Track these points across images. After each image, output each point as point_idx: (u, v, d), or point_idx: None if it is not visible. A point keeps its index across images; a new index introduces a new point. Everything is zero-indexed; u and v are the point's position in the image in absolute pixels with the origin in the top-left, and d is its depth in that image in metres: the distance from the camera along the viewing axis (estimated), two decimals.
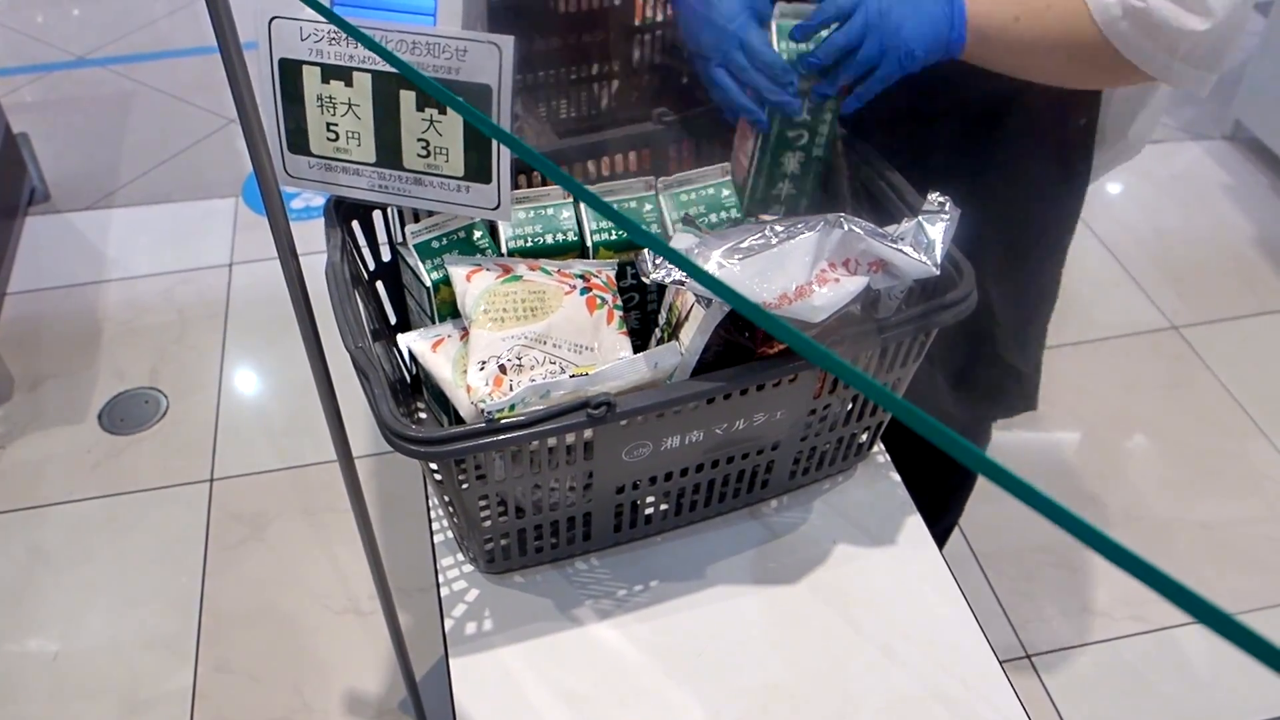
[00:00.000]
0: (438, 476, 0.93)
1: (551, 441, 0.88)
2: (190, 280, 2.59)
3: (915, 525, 1.09)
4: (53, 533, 2.03)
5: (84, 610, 1.90)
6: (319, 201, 2.80)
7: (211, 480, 2.12)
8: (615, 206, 0.85)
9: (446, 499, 0.97)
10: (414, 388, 1.15)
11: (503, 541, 1.00)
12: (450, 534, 1.08)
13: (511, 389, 0.91)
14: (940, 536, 1.85)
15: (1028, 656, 1.84)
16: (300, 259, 0.96)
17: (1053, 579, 1.95)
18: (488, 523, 0.97)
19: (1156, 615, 1.88)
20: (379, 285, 1.13)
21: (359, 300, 1.00)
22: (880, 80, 0.96)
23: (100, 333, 2.44)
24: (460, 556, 1.06)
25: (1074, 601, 1.92)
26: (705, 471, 1.02)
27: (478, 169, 0.94)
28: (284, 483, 2.11)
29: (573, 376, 0.89)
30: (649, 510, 1.05)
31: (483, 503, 0.95)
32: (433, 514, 1.10)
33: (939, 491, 1.71)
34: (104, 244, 2.71)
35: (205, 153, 3.04)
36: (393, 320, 1.16)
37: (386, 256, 1.13)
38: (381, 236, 1.12)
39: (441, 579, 1.05)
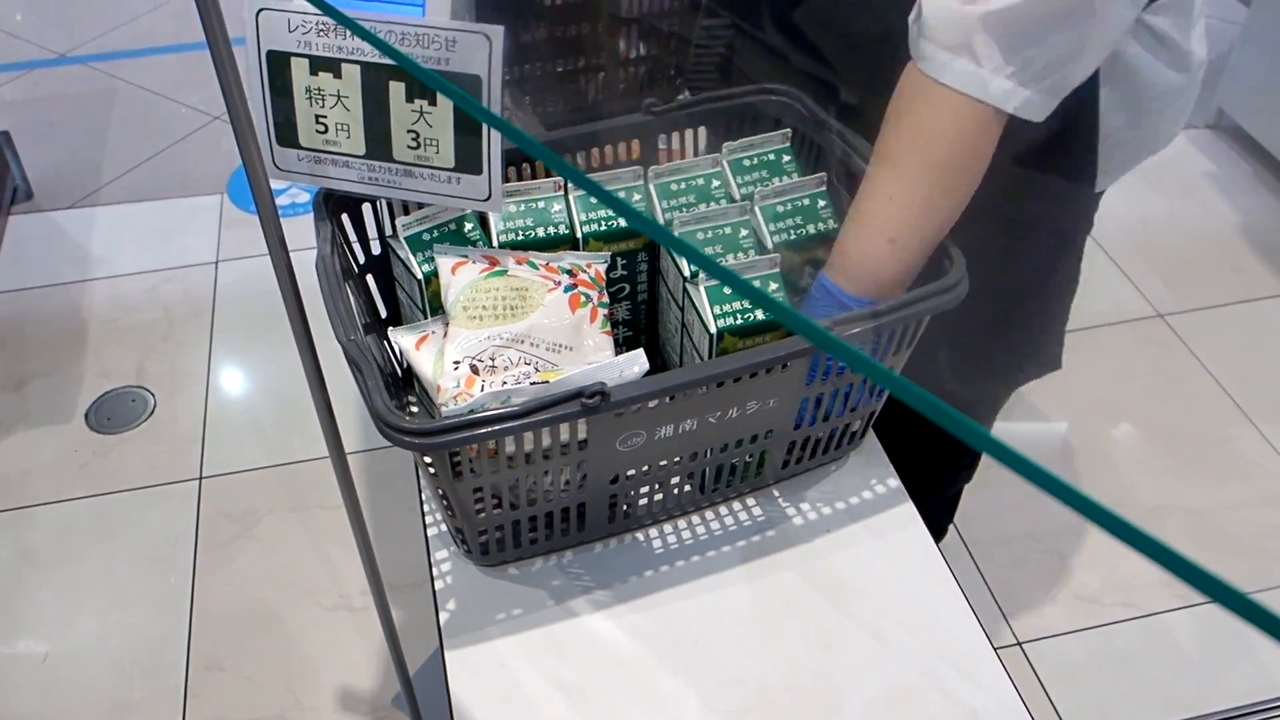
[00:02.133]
0: (431, 469, 0.93)
1: (546, 433, 0.88)
2: (176, 278, 2.58)
3: (908, 512, 1.10)
4: (41, 533, 2.02)
5: (73, 610, 1.89)
6: (304, 198, 2.79)
7: (200, 478, 2.11)
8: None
9: (440, 491, 0.96)
10: (405, 381, 1.14)
11: (497, 533, 1.00)
12: (444, 526, 1.08)
13: (482, 389, 0.91)
14: (936, 534, 1.88)
15: (1019, 644, 1.84)
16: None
17: (1043, 566, 1.96)
18: (481, 514, 0.97)
19: (1146, 601, 1.89)
20: (369, 279, 1.13)
21: (350, 293, 0.99)
22: None
23: (86, 331, 2.43)
24: (454, 549, 1.06)
25: (1064, 588, 1.93)
26: (699, 460, 1.02)
27: (468, 160, 0.93)
28: (273, 480, 2.11)
29: (533, 384, 0.89)
30: (643, 500, 1.05)
31: (476, 494, 0.95)
32: (426, 507, 1.10)
33: (935, 485, 1.72)
34: (88, 242, 2.69)
35: (189, 150, 3.02)
36: (383, 314, 1.16)
37: (376, 250, 1.13)
38: (371, 230, 1.12)
39: (435, 572, 1.05)
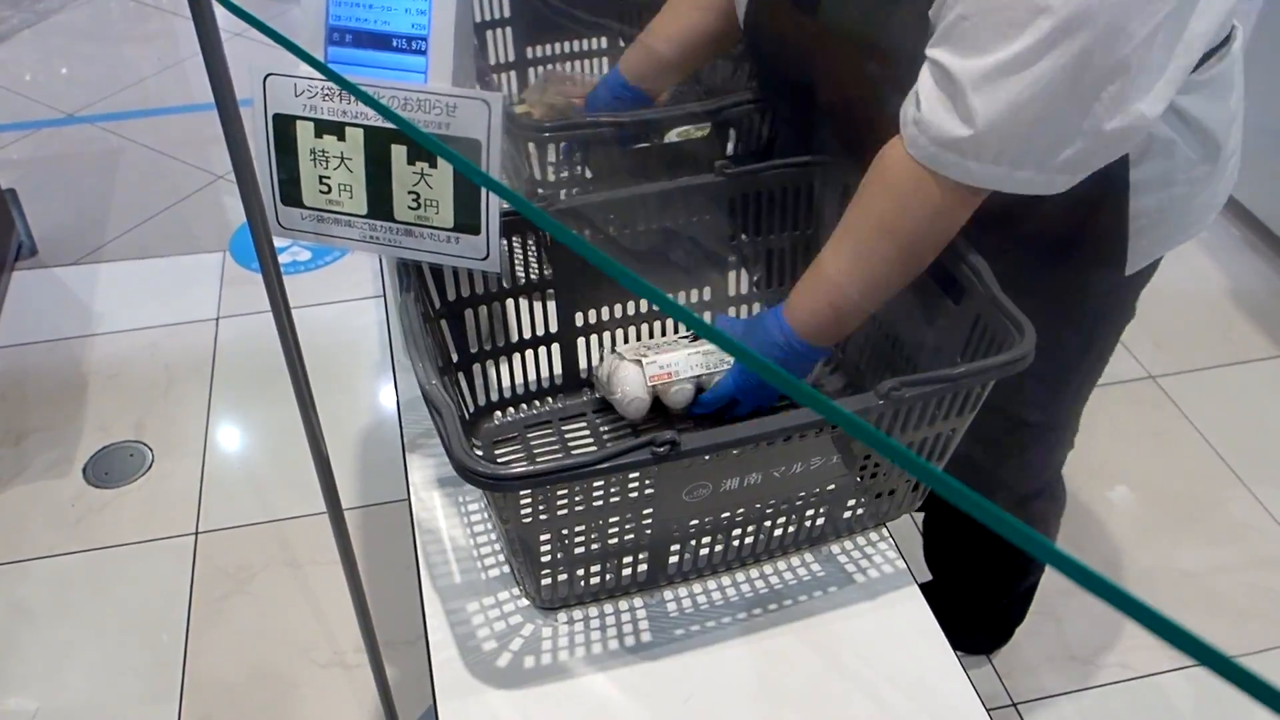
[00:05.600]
0: (503, 513, 0.93)
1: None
2: (176, 334, 2.60)
3: (901, 574, 1.10)
4: (35, 588, 2.01)
5: (65, 667, 1.89)
6: (305, 256, 2.82)
7: (197, 534, 2.11)
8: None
9: (509, 534, 0.97)
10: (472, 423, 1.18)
11: (561, 575, 1.01)
12: (440, 583, 1.08)
13: None
14: (1001, 635, 1.87)
15: (1014, 705, 1.84)
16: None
17: (1038, 627, 1.95)
18: (547, 558, 0.98)
19: (1141, 662, 1.89)
20: (443, 324, 1.15)
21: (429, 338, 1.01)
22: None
23: (86, 386, 2.44)
24: (450, 607, 1.06)
25: (1059, 649, 1.92)
26: (755, 514, 1.03)
27: (467, 220, 0.96)
28: (269, 536, 2.11)
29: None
30: (704, 551, 1.06)
31: (544, 538, 0.96)
32: (424, 563, 1.11)
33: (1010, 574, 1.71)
34: (90, 299, 2.72)
35: (193, 208, 3.06)
36: (454, 358, 1.18)
37: (452, 295, 1.15)
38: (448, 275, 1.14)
39: (429, 629, 1.05)
